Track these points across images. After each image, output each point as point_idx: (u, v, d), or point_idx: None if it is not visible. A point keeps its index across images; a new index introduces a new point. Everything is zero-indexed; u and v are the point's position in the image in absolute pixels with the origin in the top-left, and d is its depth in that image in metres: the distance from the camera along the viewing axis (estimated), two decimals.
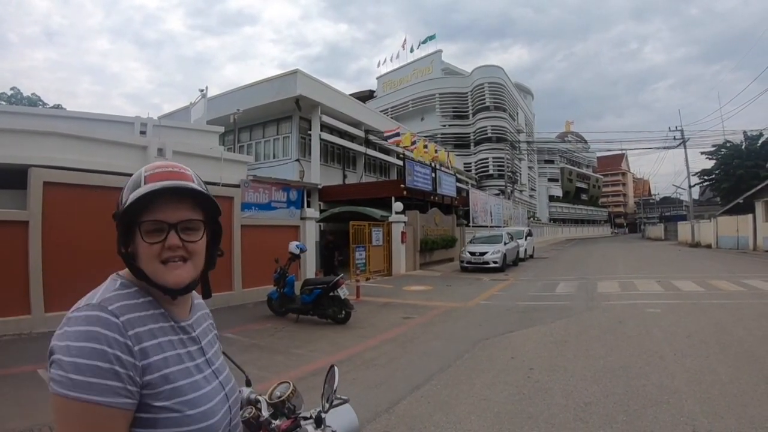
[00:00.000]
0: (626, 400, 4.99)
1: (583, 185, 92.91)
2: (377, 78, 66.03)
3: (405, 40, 65.24)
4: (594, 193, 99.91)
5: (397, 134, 25.73)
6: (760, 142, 41.85)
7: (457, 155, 50.71)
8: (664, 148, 47.61)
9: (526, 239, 29.18)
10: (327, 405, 1.60)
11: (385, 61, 66.92)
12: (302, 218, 15.36)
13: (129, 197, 1.20)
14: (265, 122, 26.79)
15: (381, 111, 45.44)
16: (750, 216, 31.22)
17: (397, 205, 20.90)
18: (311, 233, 15.94)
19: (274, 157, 26.52)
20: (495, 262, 20.98)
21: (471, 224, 32.37)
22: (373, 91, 65.43)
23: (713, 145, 46.44)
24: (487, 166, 54.02)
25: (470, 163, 53.80)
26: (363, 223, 19.09)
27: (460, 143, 55.29)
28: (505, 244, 22.61)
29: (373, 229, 19.29)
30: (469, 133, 55.76)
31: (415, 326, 9.79)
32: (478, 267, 21.21)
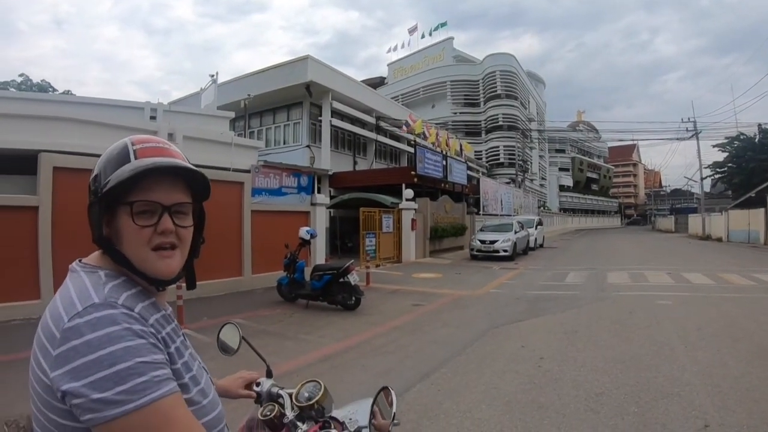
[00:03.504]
0: (637, 392, 4.98)
1: (594, 175, 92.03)
2: (388, 65, 65.49)
3: (416, 27, 64.08)
4: (605, 184, 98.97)
5: (410, 123, 25.58)
6: None
7: (468, 143, 50.33)
8: (677, 139, 47.25)
9: (536, 228, 29.15)
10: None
11: (395, 48, 66.12)
12: (313, 204, 15.37)
13: (119, 173, 1.06)
14: (276, 108, 26.74)
15: (392, 98, 45.25)
16: (762, 210, 30.90)
17: (408, 192, 20.88)
18: (321, 219, 15.96)
19: (284, 143, 26.52)
20: (505, 251, 20.98)
21: (481, 212, 32.24)
22: (384, 78, 65.04)
23: (726, 137, 45.69)
24: (498, 155, 53.77)
25: (481, 152, 53.46)
26: (373, 209, 19.06)
27: (471, 131, 54.94)
28: (516, 232, 22.59)
29: (384, 216, 19.28)
30: (480, 121, 55.42)
31: (425, 314, 9.80)
32: (487, 255, 21.21)
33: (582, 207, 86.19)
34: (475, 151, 50.92)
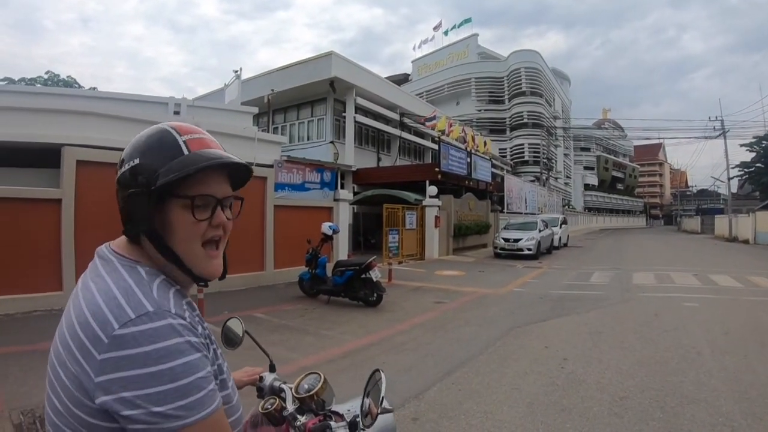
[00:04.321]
0: (662, 396, 4.84)
1: (619, 174, 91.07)
2: (412, 61, 65.43)
3: (440, 23, 63.92)
4: (630, 183, 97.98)
5: (434, 118, 25.40)
6: None
7: (493, 140, 49.95)
8: (704, 138, 46.49)
9: (560, 227, 28.70)
10: (369, 419, 1.37)
11: (420, 44, 66.02)
12: (335, 200, 15.35)
13: (177, 165, 1.03)
14: (300, 104, 26.82)
15: (416, 95, 45.17)
16: None
17: (431, 189, 20.74)
18: (345, 215, 15.93)
19: (308, 139, 26.54)
20: (529, 249, 20.76)
21: (505, 210, 32.04)
22: (408, 75, 64.99)
23: (754, 137, 44.85)
24: (523, 152, 53.41)
25: (505, 149, 53.13)
26: (397, 206, 19.02)
27: (496, 128, 54.67)
28: (540, 231, 22.33)
29: (407, 212, 19.27)
30: (504, 118, 55.09)
31: (447, 311, 9.71)
32: (511, 254, 21.00)
33: (607, 206, 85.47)
34: (500, 149, 50.78)
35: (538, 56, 56.41)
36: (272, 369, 1.75)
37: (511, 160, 52.54)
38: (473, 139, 27.36)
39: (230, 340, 1.80)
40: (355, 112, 24.93)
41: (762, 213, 34.66)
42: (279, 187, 13.49)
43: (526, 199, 37.65)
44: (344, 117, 25.07)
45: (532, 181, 46.84)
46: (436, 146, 26.28)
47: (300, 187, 14.16)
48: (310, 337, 7.54)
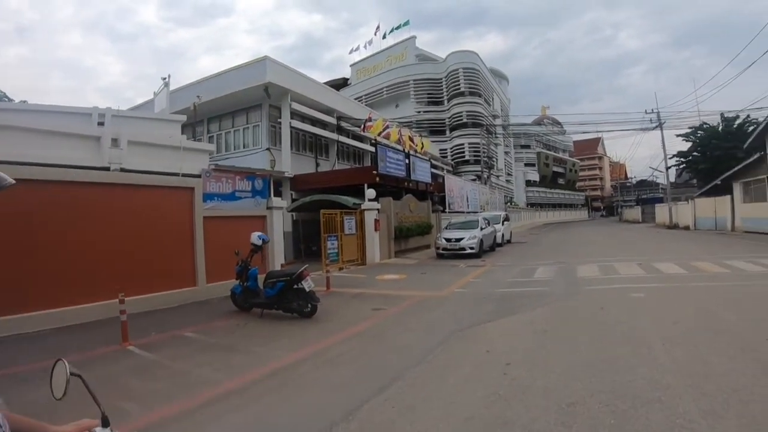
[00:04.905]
0: (613, 399, 4.46)
1: (560, 169, 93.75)
2: (351, 65, 65.19)
3: (378, 27, 64.03)
4: (571, 177, 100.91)
5: (370, 120, 24.95)
6: (736, 123, 41.67)
7: (433, 141, 50.27)
8: (641, 129, 47.81)
9: (503, 224, 28.72)
10: None
11: (357, 48, 65.69)
12: (269, 208, 14.69)
13: None
14: (235, 111, 26.09)
15: (355, 99, 44.85)
16: (728, 197, 31.20)
17: (370, 192, 20.32)
18: (279, 223, 15.30)
19: (244, 147, 25.82)
20: (471, 248, 20.52)
21: (447, 210, 31.91)
22: (347, 79, 64.70)
23: (690, 127, 46.35)
24: (463, 152, 53.59)
25: (446, 150, 53.28)
26: (335, 211, 18.48)
27: (436, 129, 54.83)
28: (482, 229, 22.16)
29: (346, 217, 18.74)
30: (444, 119, 55.21)
31: (387, 318, 9.26)
32: (454, 253, 20.75)
33: (549, 201, 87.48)
34: (440, 150, 50.97)
35: (476, 57, 56.77)
36: (105, 423, 1.55)
37: (452, 160, 52.74)
38: (411, 140, 26.99)
39: (58, 386, 1.55)
40: (291, 118, 24.46)
41: (701, 200, 35.79)
42: (208, 197, 12.78)
43: (467, 198, 37.69)
44: (280, 123, 24.47)
45: (474, 180, 47.02)
46: (374, 149, 25.86)
47: (230, 197, 13.47)
48: (240, 355, 6.97)
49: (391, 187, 23.02)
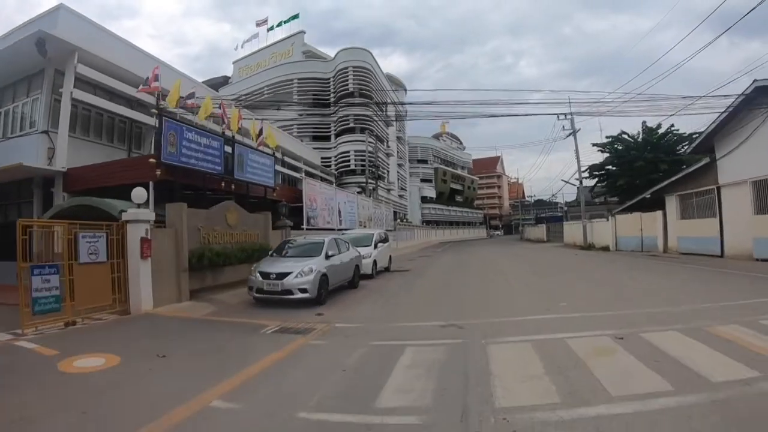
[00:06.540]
0: None
1: (458, 186, 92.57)
2: (233, 62, 58.91)
3: (266, 20, 57.28)
4: (469, 195, 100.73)
5: (193, 96, 17.53)
6: (658, 133, 38.08)
7: (315, 148, 44.58)
8: (552, 140, 44.52)
9: (375, 247, 20.36)
10: None
11: (243, 44, 59.01)
12: None
13: None
14: (16, 82, 18.65)
15: (235, 99, 37.73)
16: (659, 213, 26.55)
17: (139, 194, 12.22)
18: None
19: (20, 130, 18.43)
20: (303, 290, 12.12)
21: (305, 227, 24.34)
22: (229, 77, 58.34)
23: (607, 137, 42.47)
24: (349, 161, 47.23)
25: (330, 158, 47.02)
26: (49, 222, 11.26)
27: (320, 135, 48.80)
28: (328, 257, 13.82)
29: (82, 233, 10.67)
30: (329, 124, 49.20)
31: None
32: (276, 298, 12.38)
33: (446, 219, 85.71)
34: (323, 158, 45.32)
35: (368, 55, 50.94)
36: None
37: (336, 169, 46.70)
38: (237, 124, 18.81)
39: None
40: (76, 87, 16.88)
41: (623, 216, 31.08)
42: None
43: (340, 212, 31.02)
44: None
45: (360, 192, 41.11)
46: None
47: None
48: None
49: (197, 189, 16.12)
